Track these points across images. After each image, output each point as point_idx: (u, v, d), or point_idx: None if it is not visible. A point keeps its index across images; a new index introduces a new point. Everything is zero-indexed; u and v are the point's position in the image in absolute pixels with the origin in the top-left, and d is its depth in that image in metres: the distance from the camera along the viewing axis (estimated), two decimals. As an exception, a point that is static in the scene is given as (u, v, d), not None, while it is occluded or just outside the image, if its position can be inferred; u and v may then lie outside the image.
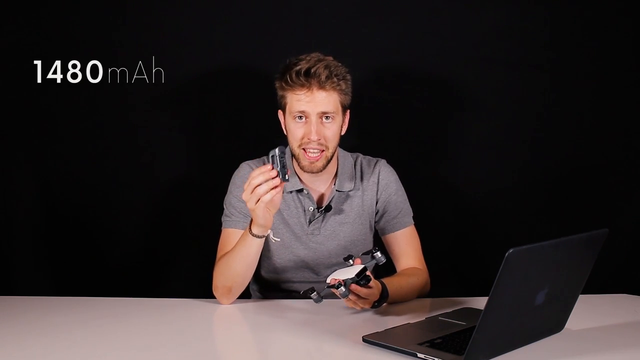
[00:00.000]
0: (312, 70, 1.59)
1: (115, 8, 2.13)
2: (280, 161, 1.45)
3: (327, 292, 1.46)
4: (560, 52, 2.19)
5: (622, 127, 2.22)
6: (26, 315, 1.55)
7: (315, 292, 1.44)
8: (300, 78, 1.60)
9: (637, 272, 2.19)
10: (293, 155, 1.70)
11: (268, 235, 1.57)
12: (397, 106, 2.21)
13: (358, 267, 1.46)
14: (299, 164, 1.69)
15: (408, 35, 2.17)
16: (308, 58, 1.62)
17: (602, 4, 2.17)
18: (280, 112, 1.72)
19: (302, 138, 1.64)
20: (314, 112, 1.62)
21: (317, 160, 1.66)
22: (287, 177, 1.46)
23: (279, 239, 1.68)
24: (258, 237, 1.55)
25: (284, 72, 1.64)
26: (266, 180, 1.44)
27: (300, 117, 1.63)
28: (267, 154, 1.47)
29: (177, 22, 2.16)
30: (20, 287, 2.18)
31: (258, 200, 1.45)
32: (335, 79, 1.61)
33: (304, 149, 1.65)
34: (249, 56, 2.15)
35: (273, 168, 1.45)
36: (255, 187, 1.45)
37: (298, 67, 1.60)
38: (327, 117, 1.63)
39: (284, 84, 1.63)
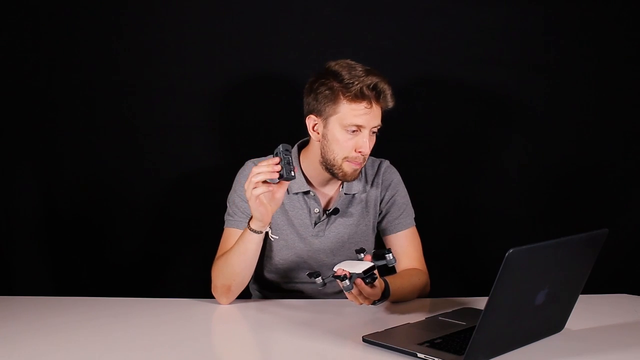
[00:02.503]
0: (380, 87, 1.58)
1: (115, 8, 2.13)
2: (284, 157, 1.45)
3: (331, 280, 1.46)
4: (560, 52, 2.19)
5: (621, 127, 2.22)
6: (26, 315, 1.55)
7: (320, 277, 1.45)
8: (370, 93, 1.57)
9: (637, 272, 2.19)
10: (330, 165, 1.65)
11: (267, 232, 1.57)
12: (398, 106, 2.20)
13: (367, 264, 1.44)
14: (336, 173, 1.65)
15: (408, 35, 2.17)
16: (361, 71, 1.58)
17: (601, 4, 2.17)
18: (313, 117, 1.65)
19: (353, 150, 1.62)
20: (369, 126, 1.61)
21: (359, 169, 1.66)
22: (293, 174, 1.46)
23: (277, 237, 1.69)
24: (256, 232, 1.56)
25: (346, 83, 1.57)
26: (266, 171, 1.44)
27: (354, 130, 1.61)
28: (273, 152, 1.47)
29: (178, 22, 2.15)
30: (20, 287, 2.18)
31: (253, 189, 1.46)
32: (392, 97, 1.62)
33: (349, 160, 1.63)
34: (250, 56, 2.15)
35: (279, 163, 1.45)
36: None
37: (368, 82, 1.56)
38: (375, 130, 1.64)
39: (348, 95, 1.57)
